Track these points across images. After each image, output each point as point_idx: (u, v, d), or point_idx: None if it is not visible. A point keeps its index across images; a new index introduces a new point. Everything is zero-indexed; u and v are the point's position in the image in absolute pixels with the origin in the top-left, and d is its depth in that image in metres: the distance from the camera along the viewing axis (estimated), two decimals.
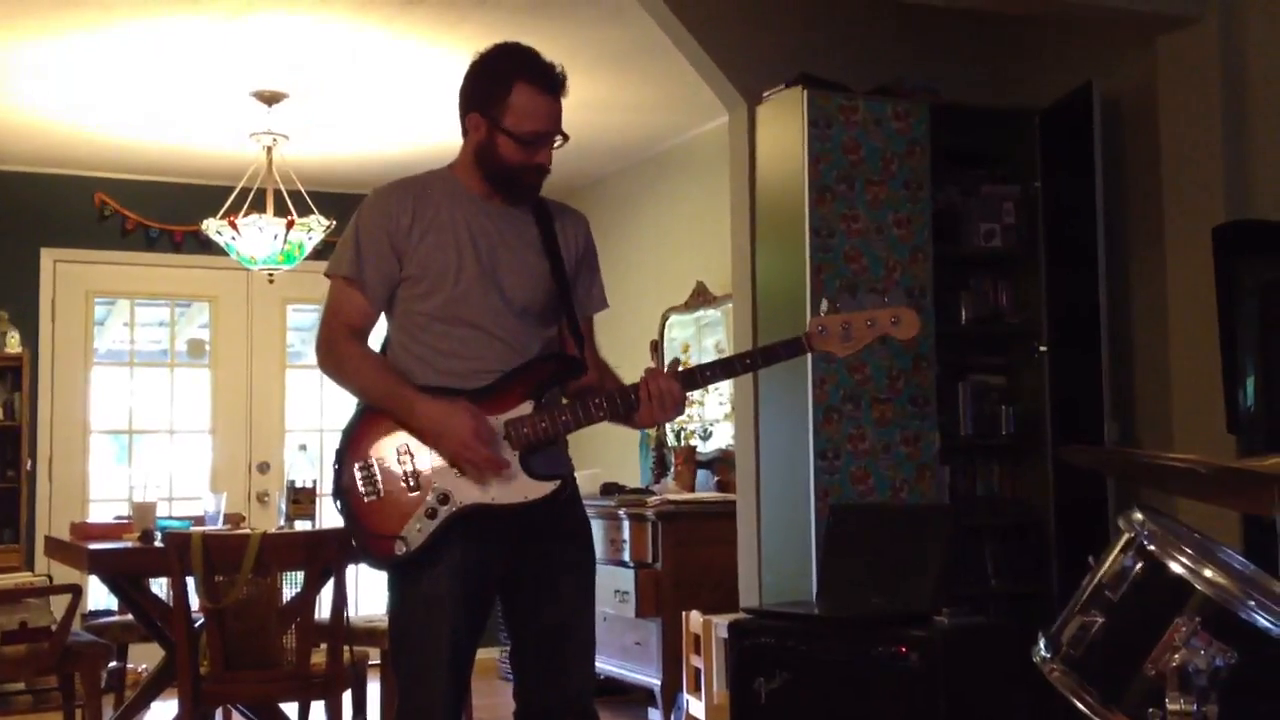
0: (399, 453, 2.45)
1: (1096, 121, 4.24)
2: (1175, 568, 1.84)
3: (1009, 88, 4.78)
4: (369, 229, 2.51)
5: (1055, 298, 4.47)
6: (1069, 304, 4.39)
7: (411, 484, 2.43)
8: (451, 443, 2.40)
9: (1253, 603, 1.75)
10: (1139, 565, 1.88)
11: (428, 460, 2.44)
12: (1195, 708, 1.66)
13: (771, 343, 2.61)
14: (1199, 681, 1.69)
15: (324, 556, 3.77)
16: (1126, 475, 3.00)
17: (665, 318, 6.53)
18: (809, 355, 4.03)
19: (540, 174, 2.53)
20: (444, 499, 2.42)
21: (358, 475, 2.45)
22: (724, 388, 5.46)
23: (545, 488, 2.46)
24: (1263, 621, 1.74)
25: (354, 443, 2.48)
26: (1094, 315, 4.24)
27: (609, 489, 5.72)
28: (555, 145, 2.53)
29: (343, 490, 2.47)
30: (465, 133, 2.55)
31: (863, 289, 4.00)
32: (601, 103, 5.67)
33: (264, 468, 7.32)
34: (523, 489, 2.45)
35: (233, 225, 5.57)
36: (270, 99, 5.56)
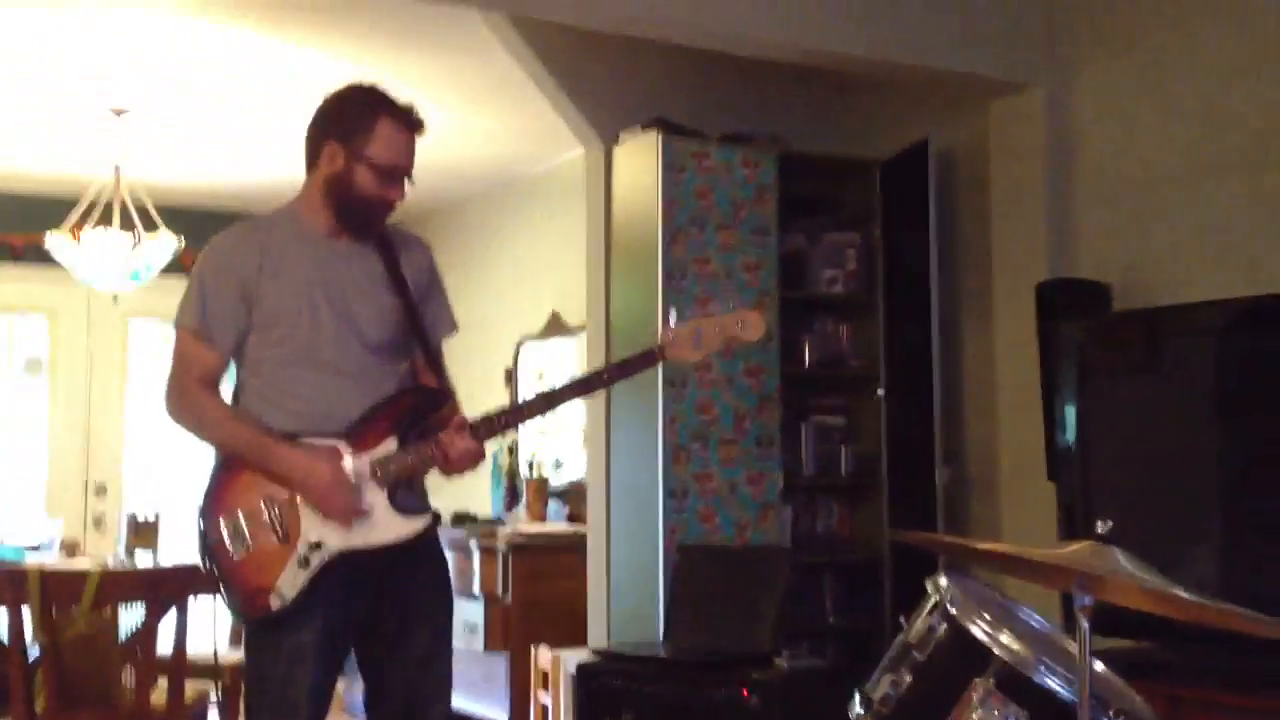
0: (265, 503, 2.42)
1: (932, 176, 4.43)
2: (975, 632, 1.97)
3: (850, 140, 4.94)
4: (215, 278, 2.51)
5: (893, 343, 4.65)
6: (905, 349, 4.57)
7: (281, 533, 2.41)
8: (312, 493, 2.40)
9: (1043, 666, 1.89)
10: (943, 627, 2.00)
11: (295, 508, 2.42)
12: None
13: (626, 356, 2.64)
14: None
15: (166, 592, 3.71)
16: (950, 555, 3.21)
17: (519, 345, 6.57)
18: (659, 397, 4.23)
19: (389, 210, 2.55)
20: (316, 546, 2.40)
21: (224, 531, 2.42)
22: (576, 418, 5.52)
23: (416, 524, 2.47)
24: (1052, 683, 1.88)
25: (217, 498, 2.45)
26: (927, 361, 4.43)
27: (460, 519, 5.73)
28: (406, 185, 2.55)
29: (210, 549, 2.43)
30: (314, 165, 2.55)
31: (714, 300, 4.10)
32: (460, 129, 5.70)
33: (101, 490, 7.09)
34: (394, 527, 2.45)
35: (76, 237, 5.44)
36: (119, 111, 5.45)
